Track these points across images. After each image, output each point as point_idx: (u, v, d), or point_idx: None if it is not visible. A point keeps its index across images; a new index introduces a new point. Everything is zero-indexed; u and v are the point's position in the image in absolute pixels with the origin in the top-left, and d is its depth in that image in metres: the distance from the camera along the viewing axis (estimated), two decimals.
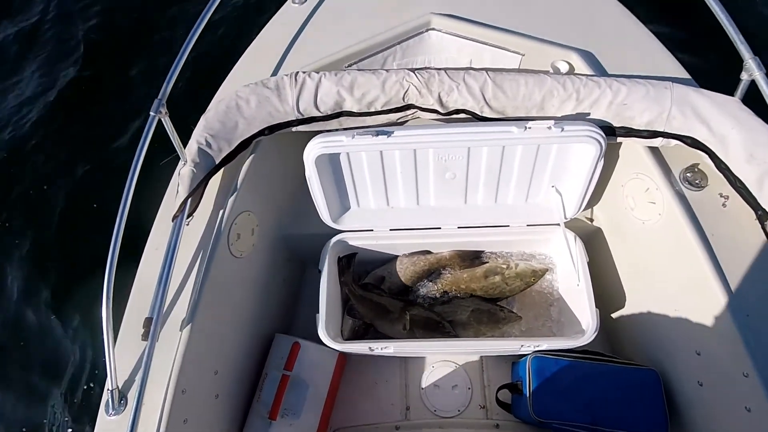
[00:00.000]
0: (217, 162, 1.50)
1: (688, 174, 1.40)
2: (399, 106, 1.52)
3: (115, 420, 1.28)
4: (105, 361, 1.29)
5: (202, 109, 1.63)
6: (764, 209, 1.25)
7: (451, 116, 1.52)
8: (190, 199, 1.45)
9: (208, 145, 1.48)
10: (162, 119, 1.40)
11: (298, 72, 1.52)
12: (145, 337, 1.31)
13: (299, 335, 1.79)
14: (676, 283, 1.42)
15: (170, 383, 1.32)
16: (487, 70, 1.45)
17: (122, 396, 1.31)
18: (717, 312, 1.27)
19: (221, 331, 1.54)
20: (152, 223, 1.58)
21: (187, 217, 1.46)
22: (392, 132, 1.39)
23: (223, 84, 1.80)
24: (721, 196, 1.37)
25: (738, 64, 1.31)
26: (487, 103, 1.45)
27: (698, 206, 1.36)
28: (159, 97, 1.40)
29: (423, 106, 1.51)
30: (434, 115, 1.54)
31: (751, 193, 1.28)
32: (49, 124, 3.28)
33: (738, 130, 1.28)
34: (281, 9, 1.95)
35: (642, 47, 1.57)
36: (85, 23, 3.73)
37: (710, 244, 1.30)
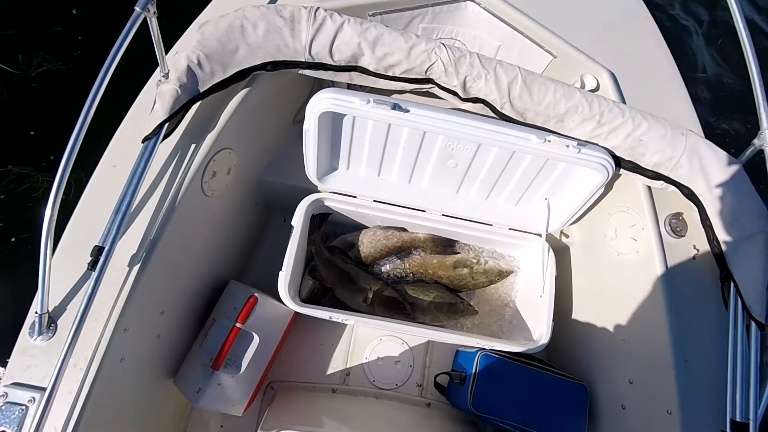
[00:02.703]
0: (206, 87, 1.30)
1: (672, 220, 1.46)
2: (418, 77, 1.41)
3: (40, 345, 1.16)
4: (38, 279, 1.14)
5: (188, 20, 1.40)
6: (729, 271, 1.34)
7: (467, 103, 1.44)
8: (168, 122, 1.26)
9: (200, 65, 1.28)
10: (149, 20, 1.17)
11: (319, 8, 1.34)
12: (92, 266, 1.16)
13: (252, 283, 1.71)
14: (630, 316, 1.52)
15: (111, 319, 1.20)
16: (520, 67, 1.37)
17: (52, 321, 1.18)
18: (660, 350, 1.37)
19: (176, 270, 1.42)
20: (108, 138, 1.37)
21: (161, 141, 1.28)
22: (410, 109, 1.29)
23: None
24: (694, 248, 1.44)
25: (751, 130, 1.35)
26: (510, 100, 1.38)
27: (672, 253, 1.43)
28: None
29: (443, 85, 1.41)
30: (451, 97, 1.44)
31: (723, 255, 1.36)
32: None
33: (732, 193, 1.34)
34: None
35: (667, 85, 1.56)
36: None
37: (673, 291, 1.39)
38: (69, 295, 1.21)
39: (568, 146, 1.31)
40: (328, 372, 1.83)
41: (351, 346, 1.87)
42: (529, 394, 1.60)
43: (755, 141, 1.33)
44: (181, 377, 1.54)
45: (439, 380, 1.80)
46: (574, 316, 1.78)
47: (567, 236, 1.78)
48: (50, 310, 1.18)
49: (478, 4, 1.54)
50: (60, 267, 1.20)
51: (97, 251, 1.18)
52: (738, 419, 1.24)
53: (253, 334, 1.53)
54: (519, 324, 1.75)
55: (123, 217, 1.21)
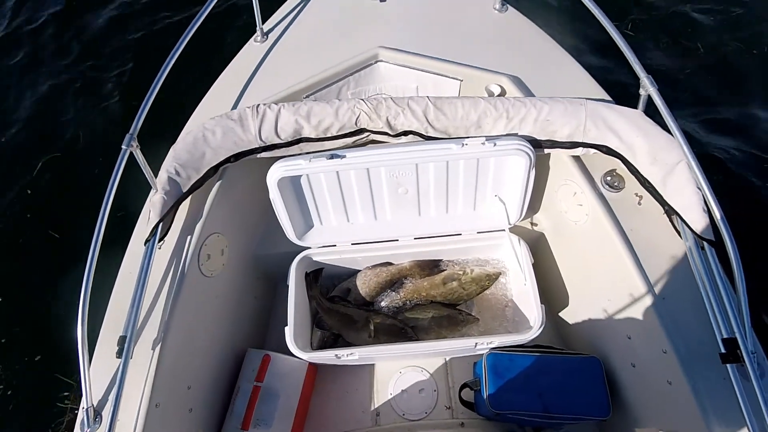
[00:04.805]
0: (186, 189, 1.62)
1: (607, 178, 1.59)
2: (352, 130, 1.68)
3: None
4: (80, 381, 1.37)
5: (171, 142, 1.76)
6: (669, 205, 1.44)
7: (400, 137, 1.69)
8: (161, 224, 1.56)
9: (177, 173, 1.61)
10: (133, 152, 1.52)
11: (258, 104, 1.67)
12: (119, 354, 1.39)
13: (272, 349, 1.88)
14: (606, 276, 1.59)
15: (143, 398, 1.39)
16: (428, 96, 1.63)
17: (97, 414, 1.38)
18: (639, 298, 1.43)
19: (194, 347, 1.63)
20: (125, 249, 1.68)
21: (159, 241, 1.56)
22: (345, 154, 1.54)
23: (191, 117, 1.93)
24: (637, 195, 1.55)
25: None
26: (430, 124, 1.62)
27: (618, 206, 1.54)
28: (130, 131, 1.52)
29: (374, 130, 1.67)
30: (385, 137, 1.70)
31: (657, 191, 1.47)
32: (23, 160, 3.44)
33: (642, 137, 1.48)
34: (244, 47, 2.11)
35: (563, 69, 1.78)
36: (58, 62, 3.93)
37: (629, 239, 1.48)
38: (109, 386, 1.43)
39: (483, 143, 1.51)
40: (359, 416, 1.91)
41: (374, 386, 1.96)
42: (545, 381, 1.63)
43: (641, 90, 1.50)
44: None
45: (464, 396, 1.84)
46: (570, 295, 1.84)
47: (535, 224, 1.91)
48: (95, 403, 1.39)
49: (387, 62, 1.86)
50: (101, 363, 1.43)
51: (121, 341, 1.42)
52: (726, 336, 1.26)
53: (274, 389, 1.68)
54: (521, 319, 1.82)
55: (138, 307, 1.46)
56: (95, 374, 1.39)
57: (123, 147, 1.50)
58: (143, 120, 1.57)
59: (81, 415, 1.37)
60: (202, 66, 2.50)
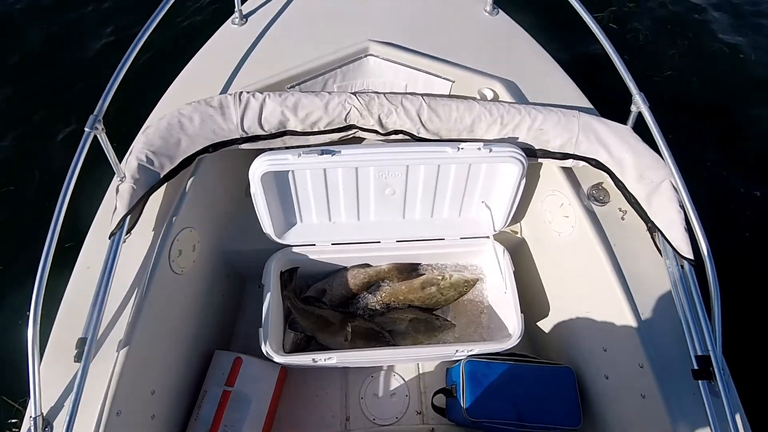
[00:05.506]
0: (158, 179, 1.49)
1: (593, 191, 1.61)
2: (341, 126, 1.61)
3: None
4: (29, 386, 1.22)
5: (137, 126, 1.61)
6: (653, 222, 1.48)
7: (390, 136, 1.63)
8: (129, 216, 1.42)
9: (149, 161, 1.47)
10: (98, 135, 1.37)
11: (242, 92, 1.56)
12: (78, 358, 1.26)
13: (238, 351, 1.78)
14: (586, 288, 1.62)
15: (105, 406, 1.27)
16: (422, 95, 1.58)
17: (47, 423, 1.24)
18: (618, 312, 1.46)
19: (160, 349, 1.51)
20: (82, 241, 1.52)
21: (125, 234, 1.43)
22: (337, 151, 1.47)
23: (160, 101, 1.78)
24: (620, 210, 1.59)
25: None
26: (423, 125, 1.58)
27: (603, 219, 1.57)
28: (95, 113, 1.37)
29: (363, 127, 1.61)
30: (374, 135, 1.64)
31: (642, 208, 1.50)
32: None
33: (630, 154, 1.51)
34: (220, 29, 1.97)
35: (553, 79, 1.79)
36: (23, 39, 3.54)
37: (613, 253, 1.50)
38: (63, 392, 1.29)
39: (479, 149, 1.48)
40: (329, 420, 1.85)
41: (345, 390, 1.91)
42: (520, 389, 1.65)
43: (632, 107, 1.52)
44: None
45: (437, 402, 1.83)
46: (547, 304, 1.87)
47: (517, 232, 1.92)
48: (44, 412, 1.25)
49: (376, 56, 1.79)
50: (51, 368, 1.29)
51: (81, 343, 1.28)
52: (699, 353, 1.31)
53: (245, 394, 1.59)
54: (497, 326, 1.83)
55: (101, 307, 1.32)
56: (46, 380, 1.24)
57: (86, 129, 1.35)
58: (109, 101, 1.42)
59: (27, 424, 1.23)
60: (174, 45, 2.33)
